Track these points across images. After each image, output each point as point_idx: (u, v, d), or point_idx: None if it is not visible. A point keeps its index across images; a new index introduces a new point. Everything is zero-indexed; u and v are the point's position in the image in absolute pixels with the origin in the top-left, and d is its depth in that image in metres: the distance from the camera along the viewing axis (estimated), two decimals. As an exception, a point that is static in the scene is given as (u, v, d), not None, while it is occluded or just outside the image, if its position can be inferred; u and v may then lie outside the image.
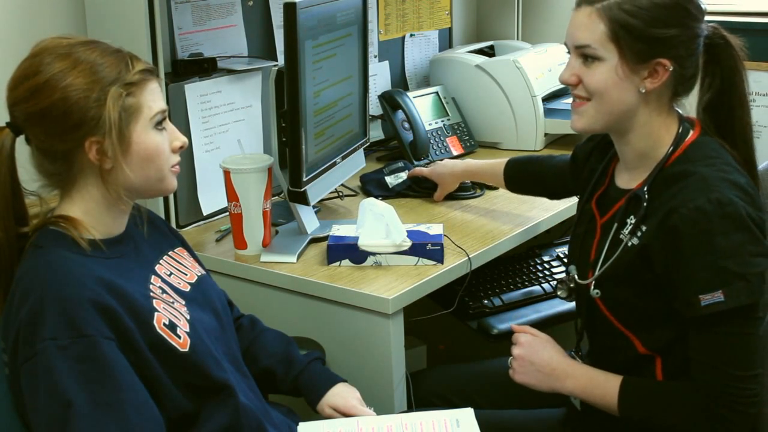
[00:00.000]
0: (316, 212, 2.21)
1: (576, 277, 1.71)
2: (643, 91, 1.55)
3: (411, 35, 3.06)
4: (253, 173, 2.00)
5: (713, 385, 1.49)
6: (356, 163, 2.39)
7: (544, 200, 2.35)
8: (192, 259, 1.67)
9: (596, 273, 1.63)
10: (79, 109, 1.36)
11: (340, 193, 2.41)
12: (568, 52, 1.61)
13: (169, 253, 1.61)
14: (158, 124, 1.45)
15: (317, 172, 2.08)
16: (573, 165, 1.90)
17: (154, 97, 1.44)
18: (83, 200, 1.43)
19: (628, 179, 1.64)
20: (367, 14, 2.31)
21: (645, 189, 1.56)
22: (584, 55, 1.56)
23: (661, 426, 1.56)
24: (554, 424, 1.77)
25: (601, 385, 1.60)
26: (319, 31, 2.03)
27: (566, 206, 2.33)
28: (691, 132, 1.60)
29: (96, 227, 1.44)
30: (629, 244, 1.56)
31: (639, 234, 1.55)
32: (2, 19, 2.04)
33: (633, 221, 1.56)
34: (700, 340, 1.50)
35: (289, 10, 1.89)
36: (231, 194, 2.01)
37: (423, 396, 1.90)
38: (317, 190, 2.12)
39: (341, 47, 2.17)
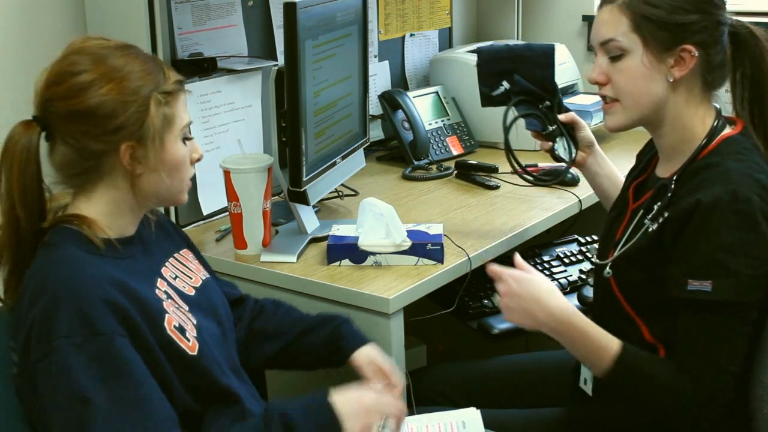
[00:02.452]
0: (316, 212, 2.21)
1: (595, 256, 1.72)
2: (671, 80, 1.57)
3: (411, 35, 3.06)
4: (253, 173, 2.00)
5: (693, 372, 1.48)
6: (356, 163, 2.39)
7: (544, 200, 2.36)
8: (197, 261, 1.67)
9: (616, 252, 1.63)
10: (123, 112, 1.37)
11: (340, 193, 2.41)
12: (594, 53, 1.65)
13: (175, 255, 1.60)
14: (185, 138, 1.47)
15: (317, 172, 2.08)
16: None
17: (184, 109, 1.47)
18: (101, 202, 1.43)
19: (664, 169, 1.67)
20: (367, 14, 2.31)
21: (674, 179, 1.58)
22: (610, 50, 1.60)
23: (637, 397, 1.54)
24: (556, 423, 1.77)
25: (597, 341, 1.55)
26: (319, 31, 2.03)
27: (566, 206, 2.33)
28: (729, 128, 1.61)
29: (110, 227, 1.43)
30: (650, 229, 1.58)
31: (660, 220, 1.56)
32: (2, 19, 2.04)
33: (658, 207, 1.58)
34: (686, 322, 1.50)
35: (289, 10, 1.89)
36: (231, 194, 2.01)
37: (423, 394, 1.90)
38: (317, 190, 2.12)
39: (341, 47, 2.18)
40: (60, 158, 1.41)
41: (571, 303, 1.60)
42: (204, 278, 1.62)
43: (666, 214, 1.55)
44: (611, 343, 1.55)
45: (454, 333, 2.32)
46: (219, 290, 1.67)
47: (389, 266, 1.95)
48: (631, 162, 2.64)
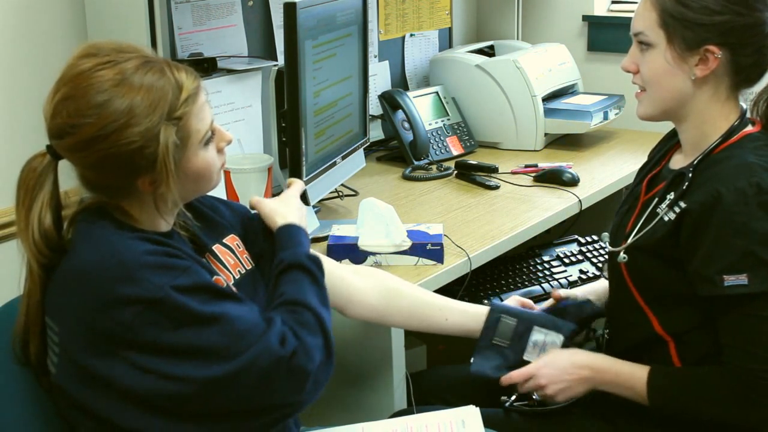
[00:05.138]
0: (316, 212, 2.21)
1: (608, 244, 1.73)
2: (694, 78, 1.57)
3: (411, 35, 3.06)
4: (253, 173, 2.00)
5: (744, 368, 1.49)
6: (356, 163, 2.39)
7: (544, 200, 2.36)
8: (240, 250, 1.58)
9: (628, 241, 1.64)
10: (131, 157, 1.31)
11: (340, 193, 2.41)
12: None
13: (213, 247, 1.53)
14: (207, 141, 1.40)
15: (317, 172, 2.08)
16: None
17: (201, 117, 1.38)
18: (131, 209, 1.39)
19: (680, 161, 1.67)
20: (367, 14, 2.31)
21: (690, 168, 1.59)
22: (640, 42, 1.61)
23: (692, 413, 1.57)
24: (557, 422, 1.77)
25: (628, 379, 1.61)
26: (319, 31, 2.04)
27: (566, 206, 2.33)
28: (750, 127, 1.62)
29: (142, 222, 1.40)
30: (665, 218, 1.58)
31: (676, 210, 1.57)
32: (2, 19, 2.04)
33: (672, 197, 1.59)
34: (728, 322, 1.51)
35: (289, 10, 1.89)
36: (231, 194, 2.01)
37: (423, 396, 1.90)
38: (317, 189, 2.12)
39: (341, 47, 2.18)
40: (81, 178, 1.38)
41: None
42: (237, 277, 1.54)
43: (683, 205, 1.56)
44: (641, 373, 1.59)
45: (454, 333, 2.32)
46: (252, 288, 1.58)
47: (389, 266, 1.95)
48: (629, 161, 2.66)
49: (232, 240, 1.58)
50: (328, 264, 1.69)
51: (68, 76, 1.32)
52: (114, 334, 1.28)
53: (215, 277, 1.42)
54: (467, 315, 1.76)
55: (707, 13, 1.54)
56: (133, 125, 1.29)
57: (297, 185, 1.69)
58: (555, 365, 1.67)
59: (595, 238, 2.32)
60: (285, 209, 1.60)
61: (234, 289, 1.48)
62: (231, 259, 1.55)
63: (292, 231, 1.55)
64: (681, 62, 1.57)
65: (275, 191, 2.13)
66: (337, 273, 1.69)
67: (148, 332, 1.28)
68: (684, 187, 1.57)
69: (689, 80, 1.58)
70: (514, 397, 1.76)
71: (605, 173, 2.59)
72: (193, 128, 1.37)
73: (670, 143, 1.74)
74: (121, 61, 1.32)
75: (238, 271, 1.54)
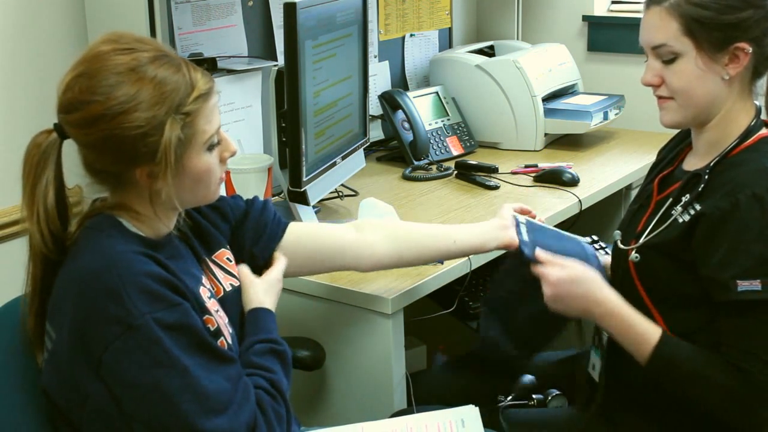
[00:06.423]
0: (316, 212, 2.21)
1: (619, 242, 1.71)
2: (727, 77, 1.57)
3: (411, 35, 3.06)
4: (253, 173, 2.00)
5: (747, 370, 1.49)
6: (356, 163, 2.39)
7: (544, 200, 2.36)
8: (229, 266, 1.58)
9: (640, 241, 1.63)
10: (133, 143, 1.31)
11: (340, 193, 2.41)
12: (646, 57, 1.62)
13: (209, 258, 1.54)
14: (211, 145, 1.39)
15: (317, 172, 2.08)
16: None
17: (209, 119, 1.37)
18: (132, 204, 1.39)
19: (694, 162, 1.66)
20: (367, 14, 2.32)
21: (707, 171, 1.58)
22: (662, 54, 1.58)
23: (686, 390, 1.55)
24: (557, 422, 1.77)
25: (641, 327, 1.57)
26: (319, 31, 2.04)
27: (566, 206, 2.33)
28: (764, 129, 1.61)
29: (144, 226, 1.40)
30: (679, 219, 1.58)
31: (691, 212, 1.56)
32: (2, 19, 2.04)
33: (687, 199, 1.58)
34: (735, 325, 1.51)
35: (289, 10, 1.89)
36: (231, 194, 2.01)
37: (423, 396, 1.90)
38: (317, 190, 2.12)
39: (341, 47, 2.18)
40: (83, 159, 1.38)
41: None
42: (228, 289, 1.55)
43: (698, 207, 1.55)
44: (653, 334, 1.56)
45: (454, 333, 2.32)
46: (240, 304, 1.60)
47: (389, 266, 1.95)
48: (629, 161, 2.66)
49: (222, 255, 1.57)
50: (330, 229, 1.73)
51: (87, 57, 1.35)
52: (96, 351, 1.28)
53: (206, 316, 1.40)
54: (473, 233, 1.79)
55: (730, 11, 1.53)
56: (139, 110, 1.30)
57: (281, 263, 1.64)
58: (572, 273, 1.60)
59: (595, 238, 2.31)
60: (264, 295, 1.58)
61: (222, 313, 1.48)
62: (221, 273, 1.55)
63: (267, 316, 1.55)
64: (713, 64, 1.55)
65: (275, 191, 2.14)
66: (340, 236, 1.70)
67: (124, 360, 1.28)
68: (699, 189, 1.56)
69: (721, 81, 1.57)
70: (509, 398, 1.77)
71: (605, 173, 2.59)
72: (199, 128, 1.36)
73: (683, 143, 1.73)
74: (140, 50, 1.34)
75: (224, 287, 1.54)
